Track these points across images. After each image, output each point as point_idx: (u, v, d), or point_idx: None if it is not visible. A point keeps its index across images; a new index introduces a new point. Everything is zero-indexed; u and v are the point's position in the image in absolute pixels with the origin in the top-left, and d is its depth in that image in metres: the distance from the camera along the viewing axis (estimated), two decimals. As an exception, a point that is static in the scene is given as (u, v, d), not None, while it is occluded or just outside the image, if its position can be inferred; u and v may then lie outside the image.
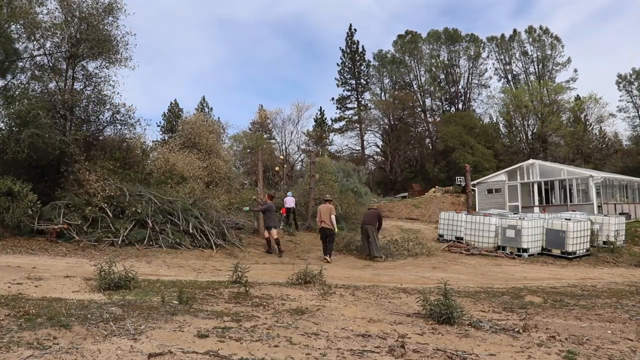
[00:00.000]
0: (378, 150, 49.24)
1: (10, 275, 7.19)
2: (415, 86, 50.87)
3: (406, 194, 38.29)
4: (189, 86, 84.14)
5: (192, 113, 32.11)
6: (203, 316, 4.95)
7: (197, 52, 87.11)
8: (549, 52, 46.99)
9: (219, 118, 45.61)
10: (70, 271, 8.02)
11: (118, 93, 17.91)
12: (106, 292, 6.17)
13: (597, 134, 44.99)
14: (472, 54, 49.40)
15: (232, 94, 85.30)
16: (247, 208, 14.47)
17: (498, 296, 7.37)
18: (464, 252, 13.68)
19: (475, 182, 26.96)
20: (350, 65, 51.12)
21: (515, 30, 48.11)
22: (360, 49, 51.00)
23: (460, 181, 32.39)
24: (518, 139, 45.17)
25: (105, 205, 12.52)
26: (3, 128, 13.31)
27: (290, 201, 17.58)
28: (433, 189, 35.75)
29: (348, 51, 50.97)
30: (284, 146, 43.33)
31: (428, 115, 50.14)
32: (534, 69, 48.23)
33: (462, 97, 50.77)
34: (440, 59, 50.63)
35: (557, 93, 42.25)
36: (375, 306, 6.13)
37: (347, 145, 49.65)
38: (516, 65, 49.30)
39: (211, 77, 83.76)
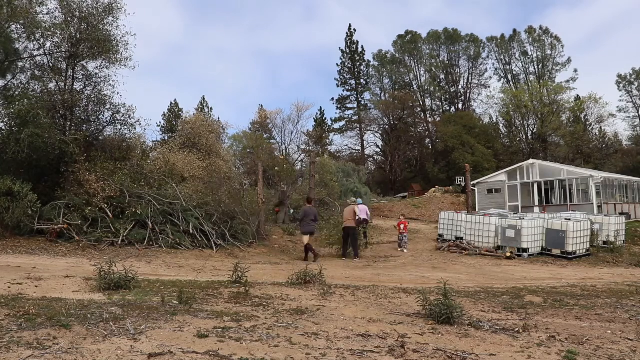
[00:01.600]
0: (378, 150, 49.33)
1: (10, 275, 7.19)
2: (415, 86, 50.94)
3: (406, 194, 38.30)
4: (191, 87, 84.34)
5: (192, 113, 32.12)
6: (203, 316, 4.95)
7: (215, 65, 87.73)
8: (549, 52, 47.08)
9: (219, 118, 45.70)
10: (70, 271, 8.02)
11: (118, 93, 17.94)
12: (106, 292, 6.17)
13: (597, 134, 45.03)
14: (472, 54, 49.46)
15: (234, 96, 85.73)
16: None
17: (498, 296, 7.36)
18: (463, 252, 13.67)
19: (475, 182, 26.96)
20: (350, 66, 51.13)
21: (515, 31, 48.24)
22: (360, 49, 51.04)
23: (460, 181, 32.41)
24: (518, 139, 45.18)
25: (105, 205, 12.52)
26: (3, 128, 13.32)
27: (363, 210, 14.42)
28: (433, 189, 35.78)
29: (348, 51, 50.98)
30: (284, 146, 43.36)
31: (428, 115, 50.20)
32: (534, 69, 48.31)
33: (462, 97, 50.84)
34: (440, 59, 50.70)
35: (557, 93, 42.29)
36: (375, 306, 6.13)
37: (347, 145, 49.76)
38: (516, 66, 49.43)
39: (221, 84, 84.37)
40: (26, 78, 14.45)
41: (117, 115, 15.37)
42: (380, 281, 8.75)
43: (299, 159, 42.37)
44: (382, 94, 51.28)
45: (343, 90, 51.42)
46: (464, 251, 13.75)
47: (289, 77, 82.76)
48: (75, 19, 14.26)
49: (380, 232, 19.96)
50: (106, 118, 15.50)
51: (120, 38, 14.93)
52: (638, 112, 46.32)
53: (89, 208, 12.30)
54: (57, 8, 14.05)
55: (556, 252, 13.04)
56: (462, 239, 14.84)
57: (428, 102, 51.50)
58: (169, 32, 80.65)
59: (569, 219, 13.62)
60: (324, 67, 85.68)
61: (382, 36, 79.55)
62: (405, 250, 14.53)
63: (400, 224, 15.06)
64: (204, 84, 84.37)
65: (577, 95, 45.36)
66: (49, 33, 13.72)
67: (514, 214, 17.53)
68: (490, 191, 27.21)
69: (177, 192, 13.75)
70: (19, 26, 13.35)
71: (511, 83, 48.77)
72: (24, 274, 7.26)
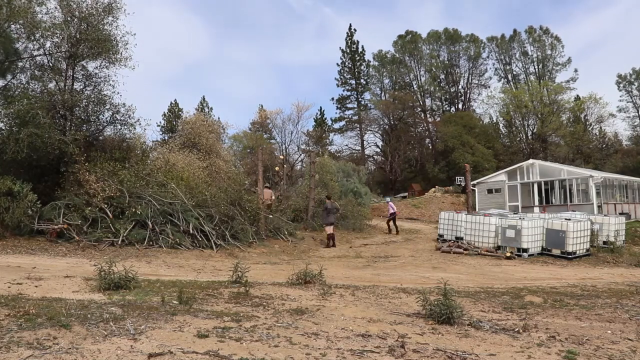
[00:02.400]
0: (378, 150, 49.31)
1: (10, 275, 7.19)
2: (415, 86, 50.93)
3: (406, 194, 38.31)
4: (190, 86, 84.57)
5: (192, 113, 32.11)
6: (203, 316, 4.95)
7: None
8: (549, 52, 47.07)
9: (219, 118, 45.62)
10: (70, 271, 8.02)
11: (118, 93, 17.89)
12: (106, 292, 6.17)
13: (597, 134, 45.07)
14: (472, 54, 49.45)
15: (234, 95, 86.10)
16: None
17: (498, 296, 7.36)
18: (463, 252, 13.66)
19: (475, 182, 26.95)
20: (350, 65, 51.10)
21: (515, 31, 48.23)
22: (360, 49, 51.02)
23: (460, 181, 32.40)
24: (518, 139, 45.18)
25: (105, 206, 12.51)
26: (3, 128, 13.31)
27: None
28: (433, 189, 35.81)
29: (348, 51, 50.95)
30: (284, 146, 43.32)
31: (428, 115, 50.19)
32: (534, 69, 48.32)
33: (462, 97, 50.84)
34: (440, 59, 50.67)
35: (557, 93, 42.28)
36: (375, 306, 6.13)
37: (347, 145, 49.73)
38: (516, 66, 49.45)
39: (228, 89, 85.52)
40: (26, 78, 14.46)
41: (117, 115, 15.37)
42: (380, 281, 8.75)
43: (299, 159, 42.40)
44: (382, 94, 51.32)
45: (343, 90, 51.46)
46: (464, 251, 13.74)
47: (297, 85, 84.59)
48: (75, 19, 14.25)
49: (381, 231, 19.99)
50: (106, 118, 15.50)
51: (120, 38, 14.93)
52: (638, 112, 46.36)
53: (89, 208, 12.29)
54: (56, 8, 14.06)
55: (556, 252, 13.03)
56: (462, 239, 14.84)
57: (428, 102, 51.56)
58: (195, 48, 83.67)
59: (569, 219, 13.61)
60: (328, 74, 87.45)
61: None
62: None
63: None
64: (212, 90, 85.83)
65: (577, 95, 45.44)
66: (48, 33, 13.72)
67: (514, 214, 17.53)
68: (490, 191, 27.21)
69: (177, 191, 13.71)
70: (18, 26, 13.36)
71: (511, 83, 48.78)
72: (24, 274, 7.26)
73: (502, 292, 7.76)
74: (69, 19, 14.18)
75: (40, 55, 14.52)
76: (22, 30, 13.51)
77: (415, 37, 49.80)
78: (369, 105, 50.76)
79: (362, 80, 51.53)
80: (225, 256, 11.87)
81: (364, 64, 51.22)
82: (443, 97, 51.56)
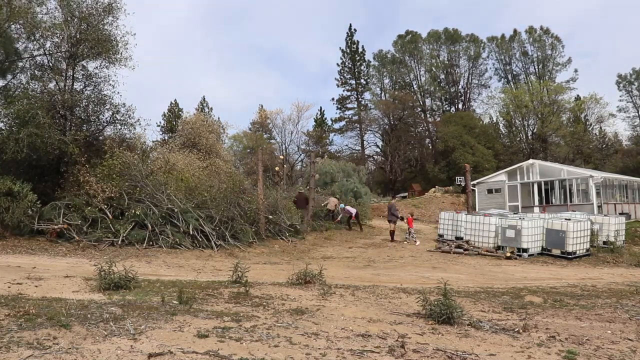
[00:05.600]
0: (378, 150, 49.26)
1: (10, 275, 7.19)
2: (415, 86, 50.90)
3: (406, 194, 38.31)
4: (190, 86, 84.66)
5: (192, 113, 32.12)
6: (203, 316, 4.95)
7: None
8: (549, 52, 47.01)
9: (219, 118, 45.49)
10: (70, 271, 8.02)
11: (118, 93, 17.96)
12: (106, 292, 6.17)
13: (597, 134, 45.05)
14: (472, 54, 49.41)
15: (234, 94, 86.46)
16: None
17: (498, 296, 7.36)
18: (463, 252, 13.66)
19: (475, 182, 26.95)
20: (350, 65, 51.06)
21: (515, 31, 48.16)
22: (360, 49, 50.99)
23: (460, 181, 32.38)
24: (518, 139, 45.16)
25: (105, 206, 12.50)
26: (3, 128, 13.32)
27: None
28: (433, 189, 35.79)
29: (348, 51, 50.91)
30: (284, 146, 43.30)
31: (428, 115, 50.15)
32: (534, 69, 48.25)
33: (462, 97, 50.79)
34: (440, 59, 50.64)
35: (557, 93, 42.23)
36: (375, 306, 6.13)
37: (347, 145, 49.64)
38: (516, 66, 49.37)
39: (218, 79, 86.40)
40: (26, 78, 14.49)
41: (117, 115, 15.36)
42: (380, 281, 8.75)
43: (299, 159, 42.40)
44: (382, 94, 51.26)
45: (343, 90, 51.36)
46: (464, 251, 13.73)
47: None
48: (75, 19, 14.25)
49: (380, 232, 19.98)
50: (106, 118, 15.50)
51: (120, 38, 14.94)
52: (638, 112, 46.34)
53: (89, 208, 12.29)
54: (56, 8, 14.07)
55: (556, 252, 13.03)
56: (462, 238, 14.84)
57: (428, 102, 51.52)
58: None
59: (569, 219, 13.61)
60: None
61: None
62: (417, 243, 16.26)
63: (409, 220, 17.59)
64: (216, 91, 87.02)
65: (577, 95, 45.42)
66: (48, 33, 13.73)
67: (514, 214, 17.53)
68: (490, 191, 27.21)
69: (174, 196, 13.60)
70: (18, 26, 13.37)
71: (511, 83, 48.73)
72: (24, 274, 7.26)
73: (502, 292, 7.76)
74: (69, 19, 14.17)
75: (40, 55, 14.53)
76: (22, 30, 13.52)
77: (415, 37, 49.77)
78: (369, 105, 50.75)
79: (362, 80, 51.49)
80: (225, 256, 11.87)
81: (364, 64, 51.23)
82: (443, 97, 51.52)
